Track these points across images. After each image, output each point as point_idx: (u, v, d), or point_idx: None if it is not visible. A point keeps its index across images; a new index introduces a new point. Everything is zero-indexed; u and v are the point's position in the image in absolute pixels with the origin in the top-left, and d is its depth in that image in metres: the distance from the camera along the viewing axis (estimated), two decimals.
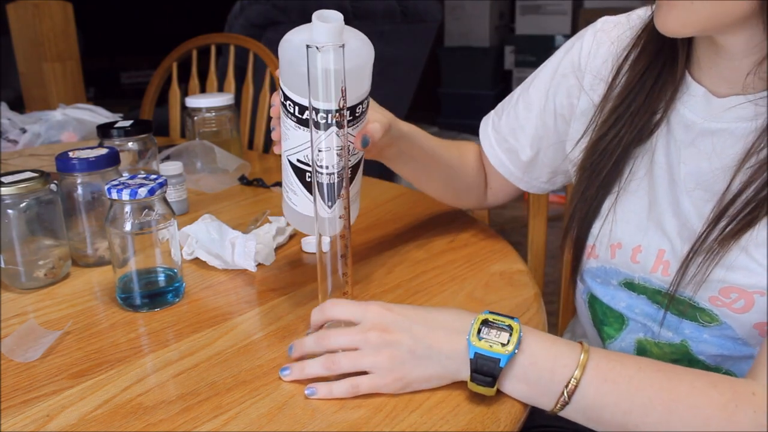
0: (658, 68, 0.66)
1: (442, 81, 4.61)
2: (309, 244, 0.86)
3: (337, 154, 0.60)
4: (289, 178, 0.67)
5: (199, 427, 0.51)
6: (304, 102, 0.62)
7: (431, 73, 4.15)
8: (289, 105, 0.64)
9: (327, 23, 0.58)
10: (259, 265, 0.80)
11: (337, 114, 0.58)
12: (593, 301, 0.77)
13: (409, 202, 1.04)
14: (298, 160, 0.66)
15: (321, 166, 0.61)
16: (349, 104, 0.59)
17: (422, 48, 2.59)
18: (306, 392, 0.55)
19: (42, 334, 0.65)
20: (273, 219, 0.89)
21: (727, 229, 0.60)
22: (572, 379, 0.52)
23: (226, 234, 0.80)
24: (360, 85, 0.63)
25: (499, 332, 0.54)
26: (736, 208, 0.59)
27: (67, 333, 0.66)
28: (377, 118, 0.68)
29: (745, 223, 0.59)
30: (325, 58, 0.56)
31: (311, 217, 0.64)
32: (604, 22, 0.75)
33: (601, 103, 0.71)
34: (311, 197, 0.63)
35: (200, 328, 0.67)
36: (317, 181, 0.61)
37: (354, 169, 0.69)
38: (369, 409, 0.53)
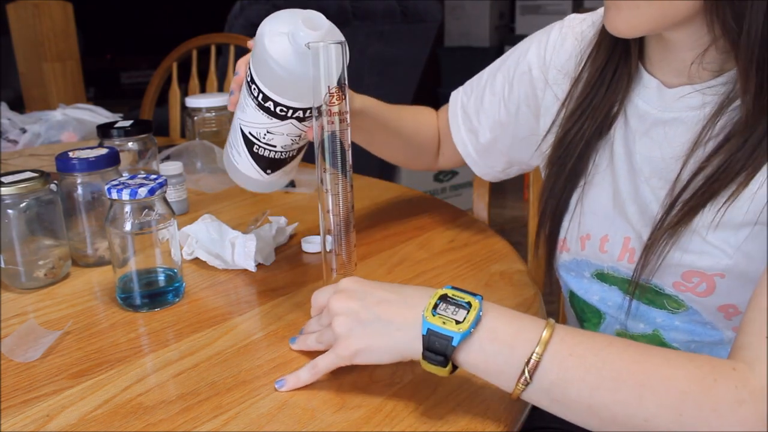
0: (615, 63, 0.68)
1: (442, 81, 4.61)
2: (309, 244, 0.86)
3: (291, 140, 0.67)
4: (237, 140, 0.70)
5: (199, 427, 0.51)
6: (270, 95, 0.64)
7: (431, 73, 4.15)
8: (254, 89, 0.65)
9: (312, 30, 0.59)
10: (259, 265, 0.81)
11: (301, 112, 0.61)
12: (572, 297, 0.78)
13: (409, 202, 1.04)
14: (250, 133, 0.68)
15: (272, 145, 0.67)
16: (311, 105, 0.61)
17: (422, 48, 2.59)
18: (276, 385, 0.56)
19: (42, 334, 0.65)
20: (273, 219, 0.89)
21: (679, 214, 0.61)
22: (534, 354, 0.48)
23: (226, 234, 0.80)
24: (340, 76, 0.64)
25: (456, 309, 0.51)
26: (688, 194, 0.61)
27: (67, 333, 0.66)
28: None
29: (692, 207, 0.60)
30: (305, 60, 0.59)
31: (248, 176, 0.71)
32: (571, 19, 0.78)
33: (566, 99, 0.73)
34: (254, 163, 0.70)
35: (200, 328, 0.67)
36: (262, 155, 0.69)
37: (300, 149, 0.73)
38: (369, 409, 0.53)
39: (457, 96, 0.89)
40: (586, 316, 0.77)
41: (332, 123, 0.60)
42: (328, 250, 0.64)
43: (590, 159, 0.71)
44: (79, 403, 0.55)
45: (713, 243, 0.60)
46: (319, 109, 0.60)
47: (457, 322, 0.50)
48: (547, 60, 0.77)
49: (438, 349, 0.50)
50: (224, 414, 0.53)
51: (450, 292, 0.53)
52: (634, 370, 0.48)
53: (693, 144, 0.62)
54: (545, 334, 0.49)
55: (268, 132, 0.67)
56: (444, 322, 0.50)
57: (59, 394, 0.56)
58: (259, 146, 0.68)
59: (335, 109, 0.60)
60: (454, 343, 0.50)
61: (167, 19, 4.81)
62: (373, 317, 0.54)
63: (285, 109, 0.65)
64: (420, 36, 2.53)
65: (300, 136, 0.69)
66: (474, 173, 0.92)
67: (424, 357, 0.51)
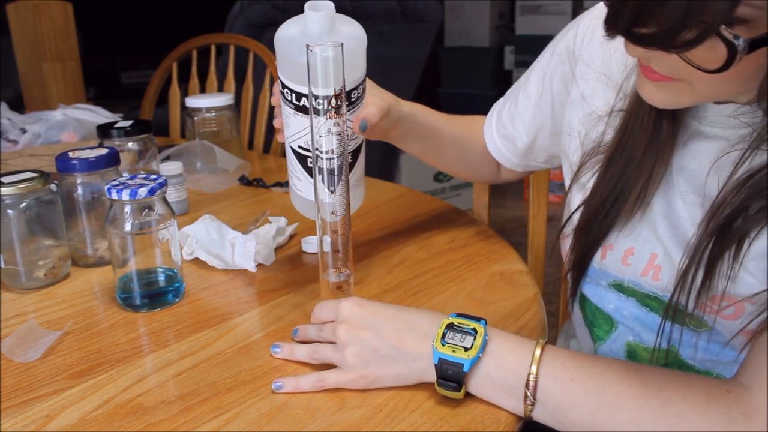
0: None
1: (442, 81, 4.60)
2: (309, 244, 0.86)
3: (336, 139, 0.62)
4: (293, 164, 0.70)
5: (199, 427, 0.51)
6: (300, 89, 0.64)
7: (431, 73, 4.15)
8: (287, 93, 0.66)
9: (318, 12, 0.60)
10: (259, 265, 0.81)
11: (335, 99, 0.60)
12: (582, 300, 0.76)
13: (409, 202, 1.04)
14: (300, 146, 0.68)
15: (321, 151, 0.62)
16: (325, 93, 0.60)
17: (422, 48, 2.59)
18: (273, 386, 0.56)
19: (42, 334, 0.65)
20: (273, 219, 0.89)
21: (722, 242, 0.58)
22: (530, 375, 0.52)
23: (226, 234, 0.80)
24: (354, 71, 0.64)
25: (464, 336, 0.54)
26: (727, 219, 0.58)
27: (67, 333, 0.66)
28: (375, 101, 0.69)
29: (738, 237, 0.57)
30: (321, 47, 0.58)
31: (308, 202, 0.68)
32: (600, 9, 0.73)
33: (619, 103, 0.68)
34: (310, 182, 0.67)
35: (200, 328, 0.67)
36: (318, 166, 0.63)
37: (355, 153, 0.71)
38: (369, 409, 0.53)
39: (496, 105, 0.89)
40: (597, 322, 0.75)
41: (337, 124, 0.60)
42: (326, 250, 0.64)
43: (637, 183, 0.66)
44: (79, 403, 0.55)
45: (748, 269, 0.58)
46: (317, 111, 0.60)
47: (466, 349, 0.53)
48: (576, 53, 0.75)
49: (451, 376, 0.53)
50: (224, 414, 0.53)
51: (456, 321, 0.55)
52: (632, 395, 0.50)
53: (734, 165, 0.58)
54: (536, 353, 0.53)
55: (316, 143, 0.65)
56: (454, 351, 0.53)
57: (59, 394, 0.56)
58: (310, 158, 0.67)
59: (336, 111, 0.59)
60: (465, 369, 0.52)
61: (167, 19, 4.81)
62: (390, 348, 0.55)
63: (321, 101, 0.63)
64: (420, 36, 2.53)
65: (341, 134, 0.65)
66: None
67: (439, 384, 0.53)
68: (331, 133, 0.62)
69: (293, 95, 0.65)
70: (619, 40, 0.68)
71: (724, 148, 0.60)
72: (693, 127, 0.63)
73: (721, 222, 0.58)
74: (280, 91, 0.67)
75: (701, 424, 0.48)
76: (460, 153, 0.88)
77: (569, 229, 0.73)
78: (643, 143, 0.65)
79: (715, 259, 0.58)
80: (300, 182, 0.70)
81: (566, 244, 0.74)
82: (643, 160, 0.65)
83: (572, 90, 0.75)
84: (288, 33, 0.64)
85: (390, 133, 0.77)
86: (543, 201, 1.04)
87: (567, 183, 0.76)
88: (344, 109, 0.62)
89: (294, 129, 0.67)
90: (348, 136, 0.67)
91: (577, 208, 0.71)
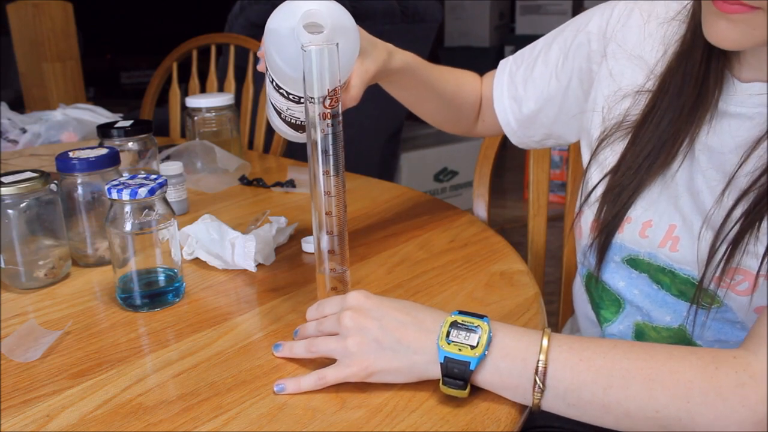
0: (714, 69, 0.64)
1: None
2: (309, 244, 0.86)
3: (329, 133, 0.64)
4: (269, 104, 0.73)
5: (199, 427, 0.51)
6: (281, 85, 0.66)
7: None
8: (269, 75, 0.67)
9: (313, 34, 0.59)
10: (259, 265, 0.81)
11: (324, 100, 0.61)
12: (590, 281, 0.76)
13: (409, 202, 1.04)
14: (276, 105, 0.70)
15: (294, 117, 0.69)
16: (320, 94, 0.60)
17: (422, 48, 2.59)
18: (275, 389, 0.56)
19: (42, 334, 0.65)
20: (273, 219, 0.89)
21: (750, 219, 0.59)
22: (539, 362, 0.52)
23: (226, 234, 0.80)
24: (334, 79, 0.62)
25: (468, 334, 0.53)
26: (753, 196, 0.59)
27: (67, 333, 0.66)
28: (357, 81, 0.67)
29: (757, 212, 0.58)
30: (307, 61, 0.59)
31: (285, 132, 0.74)
32: None
33: (648, 84, 0.69)
34: (285, 125, 0.73)
35: (200, 328, 0.67)
36: (290, 122, 0.70)
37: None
38: (369, 409, 0.53)
39: (506, 64, 0.88)
40: (604, 303, 0.75)
41: (330, 125, 0.60)
42: (327, 250, 0.64)
43: (663, 157, 0.67)
44: (79, 403, 0.55)
45: (763, 243, 0.59)
46: (313, 107, 0.60)
47: (472, 347, 0.53)
48: (608, 33, 0.75)
49: (457, 374, 0.52)
50: (224, 414, 0.53)
51: (459, 318, 0.55)
52: (641, 367, 0.51)
53: (755, 142, 0.59)
54: (544, 343, 0.53)
55: (288, 109, 0.69)
56: (460, 349, 0.53)
57: (59, 394, 0.56)
58: (285, 115, 0.70)
59: (332, 111, 0.59)
60: (472, 367, 0.52)
61: (167, 19, 4.81)
62: (393, 340, 0.55)
63: (297, 97, 0.66)
64: (420, 36, 2.53)
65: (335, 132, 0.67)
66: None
67: (444, 383, 0.53)
68: (304, 112, 0.64)
69: (274, 82, 0.66)
70: (655, 25, 0.68)
71: (748, 128, 0.61)
72: (719, 106, 0.64)
73: (743, 197, 0.59)
74: (266, 65, 0.68)
75: (711, 387, 0.49)
76: (442, 105, 0.88)
77: (587, 207, 0.74)
78: (671, 119, 0.66)
79: (741, 235, 0.59)
80: (274, 116, 0.73)
81: (581, 220, 0.75)
82: (671, 135, 0.66)
83: (600, 68, 0.76)
84: (279, 36, 0.62)
85: (376, 80, 0.76)
86: (543, 201, 1.04)
87: (585, 161, 0.77)
88: (319, 100, 0.62)
89: (273, 95, 0.69)
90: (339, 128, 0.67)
91: (600, 181, 0.72)
